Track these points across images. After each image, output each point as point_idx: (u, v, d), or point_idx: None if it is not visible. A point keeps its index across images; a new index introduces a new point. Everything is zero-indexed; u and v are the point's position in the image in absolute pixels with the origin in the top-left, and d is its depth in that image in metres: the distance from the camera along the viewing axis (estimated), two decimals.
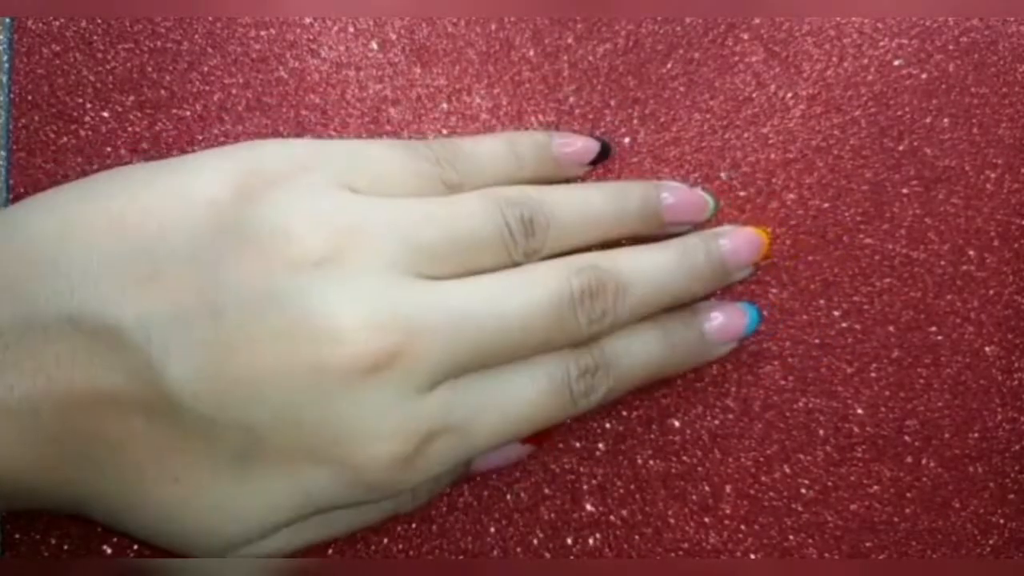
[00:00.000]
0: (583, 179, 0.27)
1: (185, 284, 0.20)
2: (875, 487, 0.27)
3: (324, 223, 0.20)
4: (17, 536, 0.25)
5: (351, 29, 0.27)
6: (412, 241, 0.21)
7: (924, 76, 0.28)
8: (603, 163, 0.27)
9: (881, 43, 0.28)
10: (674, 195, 0.26)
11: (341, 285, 0.20)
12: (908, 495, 0.27)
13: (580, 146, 0.27)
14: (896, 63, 0.28)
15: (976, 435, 0.27)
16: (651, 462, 0.27)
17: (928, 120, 0.28)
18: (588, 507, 0.26)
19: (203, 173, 0.21)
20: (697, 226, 0.27)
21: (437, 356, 0.20)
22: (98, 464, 0.20)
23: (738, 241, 0.26)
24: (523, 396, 0.22)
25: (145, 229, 0.20)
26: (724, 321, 0.26)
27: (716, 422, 0.27)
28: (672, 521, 0.26)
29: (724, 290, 0.27)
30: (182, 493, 0.20)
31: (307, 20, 0.27)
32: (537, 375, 0.22)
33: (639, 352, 0.24)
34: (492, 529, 0.26)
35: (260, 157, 0.21)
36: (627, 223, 0.25)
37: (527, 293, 0.22)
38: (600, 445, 0.27)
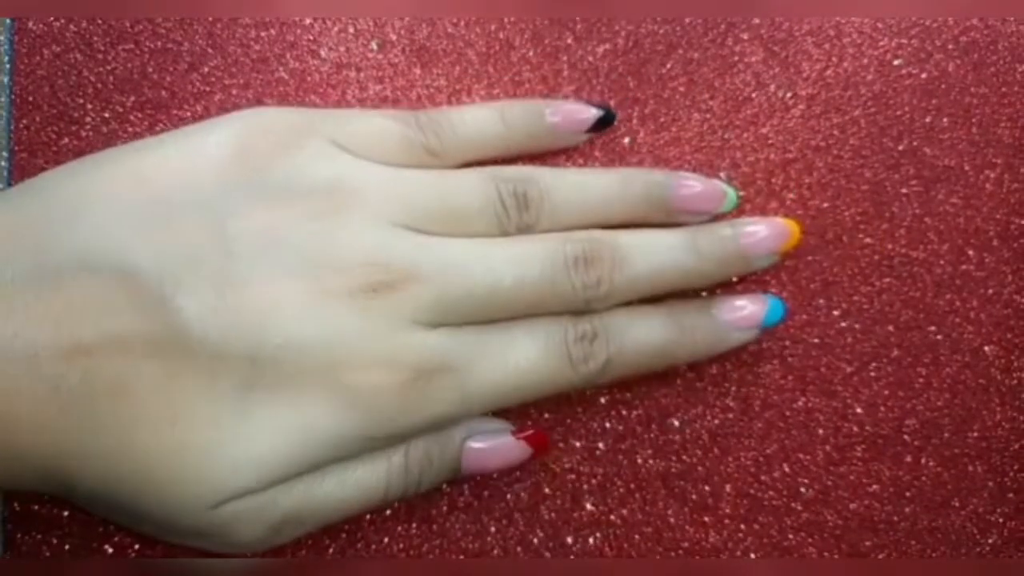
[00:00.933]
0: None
1: (198, 230, 0.21)
2: (874, 486, 0.27)
3: (326, 182, 0.22)
4: (19, 536, 0.25)
5: (351, 30, 0.27)
6: (407, 201, 0.23)
7: (924, 76, 0.28)
8: (609, 150, 0.27)
9: (881, 43, 0.28)
10: (685, 183, 0.26)
11: (343, 230, 0.22)
12: (907, 494, 0.27)
13: (575, 112, 0.26)
14: (896, 63, 0.28)
15: (975, 434, 0.27)
16: (651, 461, 0.27)
17: (928, 120, 0.28)
18: (588, 506, 0.26)
19: (212, 134, 0.23)
20: (718, 217, 0.26)
21: (430, 295, 0.22)
22: (94, 416, 0.20)
23: (759, 226, 0.25)
24: (522, 351, 0.23)
25: (160, 182, 0.22)
26: (740, 307, 0.25)
27: (716, 421, 0.27)
28: (672, 520, 0.26)
29: (726, 286, 0.27)
30: (179, 436, 0.20)
31: (307, 21, 0.27)
32: (536, 332, 0.23)
33: (642, 328, 0.24)
34: (492, 529, 0.26)
35: (261, 121, 0.23)
36: (630, 207, 0.25)
37: (519, 250, 0.23)
38: (600, 444, 0.27)
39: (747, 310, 0.25)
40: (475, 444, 0.24)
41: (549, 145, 0.27)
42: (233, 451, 0.21)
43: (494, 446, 0.24)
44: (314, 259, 0.21)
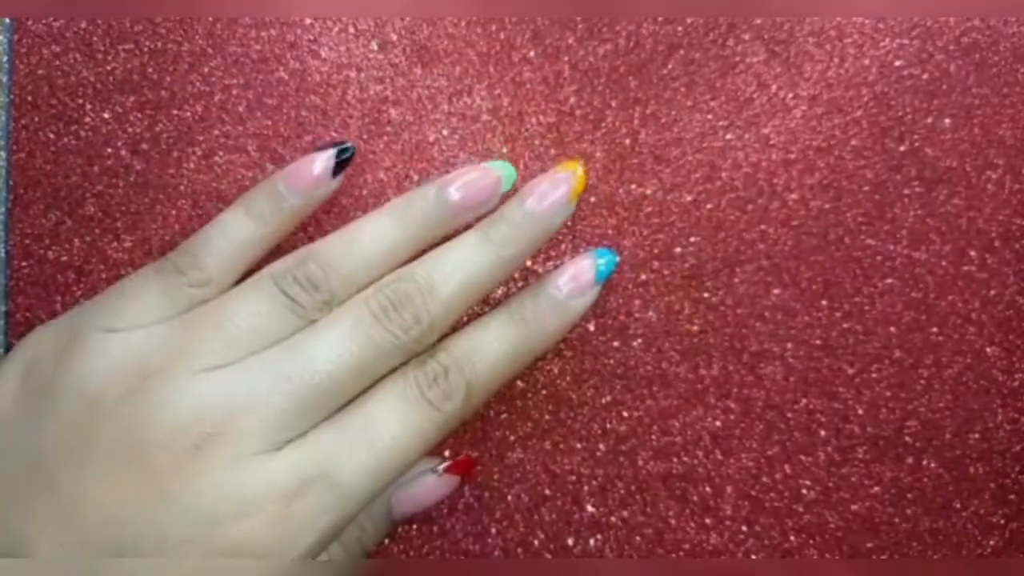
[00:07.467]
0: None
1: (16, 460, 0.21)
2: (876, 488, 0.27)
3: (108, 374, 0.22)
4: None
5: (351, 30, 0.27)
6: (193, 347, 0.22)
7: (925, 76, 0.28)
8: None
9: (882, 43, 0.28)
10: (452, 189, 0.24)
11: (148, 407, 0.21)
12: (909, 496, 0.27)
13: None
14: (897, 63, 0.28)
15: (977, 436, 0.27)
16: (652, 463, 0.26)
17: (929, 120, 0.28)
18: (589, 508, 0.26)
19: (2, 372, 0.23)
20: (508, 194, 0.26)
21: (256, 422, 0.21)
22: None
23: (543, 186, 0.25)
24: (383, 424, 0.22)
25: None
26: (571, 274, 0.25)
27: (717, 423, 0.27)
28: (673, 522, 0.26)
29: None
30: None
31: (308, 21, 0.27)
32: (388, 397, 0.23)
33: (488, 341, 0.24)
34: (493, 530, 0.26)
35: (36, 342, 0.23)
36: (413, 240, 0.24)
37: (325, 332, 0.22)
38: (601, 446, 0.26)
39: (578, 274, 0.25)
40: (401, 492, 0.24)
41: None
42: None
43: (419, 490, 0.24)
44: (131, 445, 0.21)
